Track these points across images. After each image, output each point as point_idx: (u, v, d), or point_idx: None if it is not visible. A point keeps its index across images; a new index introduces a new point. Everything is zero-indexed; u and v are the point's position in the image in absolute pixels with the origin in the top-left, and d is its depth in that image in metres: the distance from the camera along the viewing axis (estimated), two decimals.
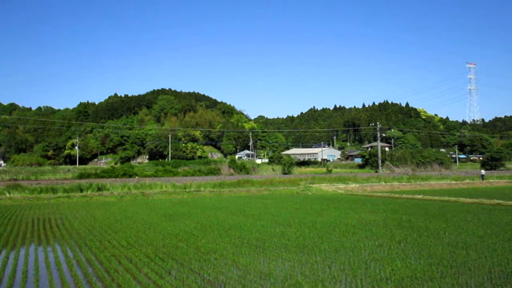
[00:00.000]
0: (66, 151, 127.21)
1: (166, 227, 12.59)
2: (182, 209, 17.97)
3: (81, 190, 26.69)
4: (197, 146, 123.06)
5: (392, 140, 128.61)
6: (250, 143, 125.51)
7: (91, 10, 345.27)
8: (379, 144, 67.05)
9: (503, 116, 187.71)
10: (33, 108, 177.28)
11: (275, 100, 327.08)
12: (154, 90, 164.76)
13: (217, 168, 60.35)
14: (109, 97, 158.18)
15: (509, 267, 7.18)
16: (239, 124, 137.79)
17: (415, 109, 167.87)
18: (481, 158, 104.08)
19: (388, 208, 17.39)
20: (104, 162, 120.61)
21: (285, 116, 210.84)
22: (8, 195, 24.35)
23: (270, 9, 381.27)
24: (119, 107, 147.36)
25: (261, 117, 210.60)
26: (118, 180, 38.61)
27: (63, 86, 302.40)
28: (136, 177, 46.80)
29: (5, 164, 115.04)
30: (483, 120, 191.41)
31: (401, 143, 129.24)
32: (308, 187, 30.18)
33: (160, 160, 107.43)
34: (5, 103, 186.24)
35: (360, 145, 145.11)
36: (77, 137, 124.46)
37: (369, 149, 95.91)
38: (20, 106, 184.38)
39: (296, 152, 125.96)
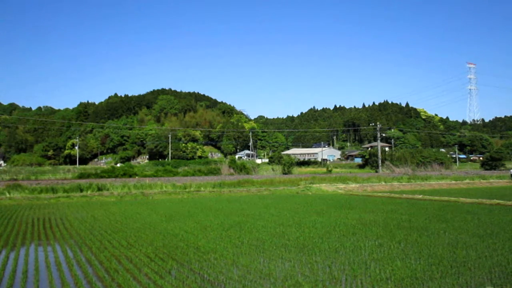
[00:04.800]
0: (66, 151, 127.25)
1: (166, 227, 12.59)
2: (182, 209, 17.96)
3: (81, 190, 26.64)
4: (197, 146, 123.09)
5: (392, 140, 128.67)
6: (250, 143, 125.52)
7: (91, 10, 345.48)
8: (379, 144, 67.03)
9: (503, 116, 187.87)
10: (33, 108, 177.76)
11: (275, 100, 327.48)
12: (154, 90, 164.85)
13: (217, 168, 60.25)
14: (109, 97, 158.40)
15: (509, 267, 7.18)
16: (239, 124, 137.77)
17: (415, 109, 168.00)
18: (481, 158, 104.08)
19: (388, 208, 17.39)
20: (104, 162, 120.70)
21: (285, 116, 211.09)
22: (8, 195, 24.32)
23: (270, 9, 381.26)
24: (119, 107, 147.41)
25: (261, 117, 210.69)
26: (118, 180, 38.57)
27: (63, 86, 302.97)
28: (136, 177, 46.77)
29: (5, 164, 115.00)
30: (483, 120, 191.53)
31: (401, 143, 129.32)
32: (308, 187, 30.17)
33: (160, 160, 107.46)
34: (5, 103, 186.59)
35: (360, 145, 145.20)
36: (77, 137, 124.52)
37: (369, 149, 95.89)
38: (20, 106, 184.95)
39: (296, 152, 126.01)
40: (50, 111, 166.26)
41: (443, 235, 10.55)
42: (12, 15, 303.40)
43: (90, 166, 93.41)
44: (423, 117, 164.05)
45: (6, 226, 13.76)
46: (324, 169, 69.96)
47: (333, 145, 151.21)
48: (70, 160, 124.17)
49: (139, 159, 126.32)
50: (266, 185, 31.99)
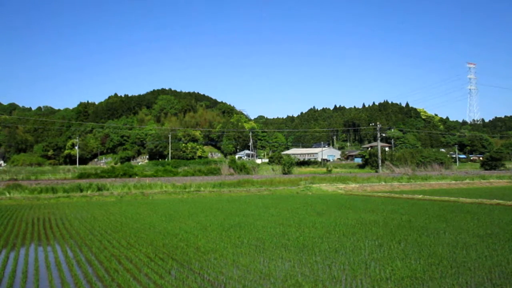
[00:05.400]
0: (66, 151, 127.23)
1: (166, 227, 12.58)
2: (182, 209, 17.97)
3: (81, 190, 26.63)
4: (197, 146, 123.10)
5: (392, 140, 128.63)
6: (250, 143, 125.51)
7: (91, 10, 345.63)
8: (379, 144, 67.02)
9: (503, 116, 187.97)
10: (33, 108, 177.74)
11: (275, 100, 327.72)
12: (154, 90, 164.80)
13: (217, 168, 60.21)
14: (109, 97, 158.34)
15: (509, 267, 7.19)
16: (239, 124, 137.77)
17: (415, 109, 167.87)
18: (481, 158, 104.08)
19: (388, 208, 17.39)
20: (104, 162, 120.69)
21: (285, 116, 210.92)
22: (8, 195, 24.33)
23: (270, 9, 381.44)
24: (119, 107, 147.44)
25: (261, 117, 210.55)
26: (118, 180, 38.55)
27: (63, 86, 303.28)
28: (136, 177, 46.75)
29: (5, 164, 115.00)
30: (483, 120, 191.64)
31: (401, 143, 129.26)
32: (308, 187, 30.16)
33: (160, 160, 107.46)
34: (5, 103, 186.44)
35: (360, 145, 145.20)
36: (77, 137, 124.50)
37: (369, 149, 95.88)
38: (20, 106, 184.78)
39: (296, 152, 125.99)
40: (50, 111, 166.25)
41: (443, 235, 10.55)
42: (12, 15, 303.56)
43: (90, 166, 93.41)
44: (423, 117, 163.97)
45: (6, 226, 13.76)
46: (324, 169, 69.96)
47: (333, 145, 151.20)
48: (70, 160, 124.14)
49: (139, 159, 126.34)
50: (266, 185, 31.98)
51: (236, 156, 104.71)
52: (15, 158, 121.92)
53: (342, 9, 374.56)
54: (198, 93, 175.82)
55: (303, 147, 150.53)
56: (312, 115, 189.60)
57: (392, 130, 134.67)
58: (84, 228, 12.84)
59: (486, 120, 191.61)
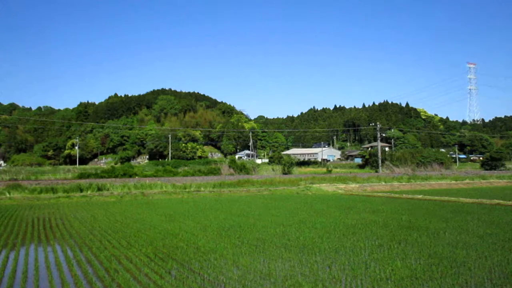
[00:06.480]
0: (66, 151, 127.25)
1: (166, 227, 12.58)
2: (182, 209, 17.96)
3: (81, 190, 26.61)
4: (197, 146, 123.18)
5: (392, 140, 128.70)
6: (250, 143, 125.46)
7: (90, 10, 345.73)
8: (379, 144, 66.99)
9: (503, 116, 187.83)
10: (33, 108, 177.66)
11: (275, 100, 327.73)
12: (154, 90, 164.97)
13: (217, 168, 60.14)
14: (109, 97, 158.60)
15: (509, 267, 7.18)
16: (239, 124, 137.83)
17: (415, 109, 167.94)
18: (481, 158, 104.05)
19: (388, 208, 17.39)
20: (104, 162, 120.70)
21: (285, 116, 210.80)
22: (8, 195, 24.31)
23: (270, 9, 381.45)
24: (119, 107, 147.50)
25: (261, 117, 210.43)
26: (118, 180, 38.51)
27: (63, 86, 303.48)
28: (136, 177, 46.72)
29: (5, 164, 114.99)
30: (483, 120, 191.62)
31: (401, 143, 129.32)
32: (308, 187, 30.16)
33: (160, 160, 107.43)
34: (5, 103, 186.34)
35: (360, 145, 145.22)
36: (77, 137, 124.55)
37: (369, 149, 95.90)
38: (20, 106, 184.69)
39: (296, 152, 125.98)
40: (50, 111, 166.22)
41: (443, 235, 10.55)
42: (12, 15, 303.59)
43: (90, 166, 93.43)
44: (423, 117, 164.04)
45: (6, 226, 13.75)
46: (324, 169, 69.90)
47: (333, 145, 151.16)
48: (70, 160, 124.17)
49: (139, 159, 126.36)
50: (266, 185, 31.97)
51: (236, 156, 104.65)
52: (15, 158, 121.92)
53: (342, 9, 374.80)
54: (198, 93, 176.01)
55: (303, 147, 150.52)
56: (312, 115, 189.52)
57: (392, 130, 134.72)
58: (84, 228, 12.83)
59: (486, 120, 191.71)
